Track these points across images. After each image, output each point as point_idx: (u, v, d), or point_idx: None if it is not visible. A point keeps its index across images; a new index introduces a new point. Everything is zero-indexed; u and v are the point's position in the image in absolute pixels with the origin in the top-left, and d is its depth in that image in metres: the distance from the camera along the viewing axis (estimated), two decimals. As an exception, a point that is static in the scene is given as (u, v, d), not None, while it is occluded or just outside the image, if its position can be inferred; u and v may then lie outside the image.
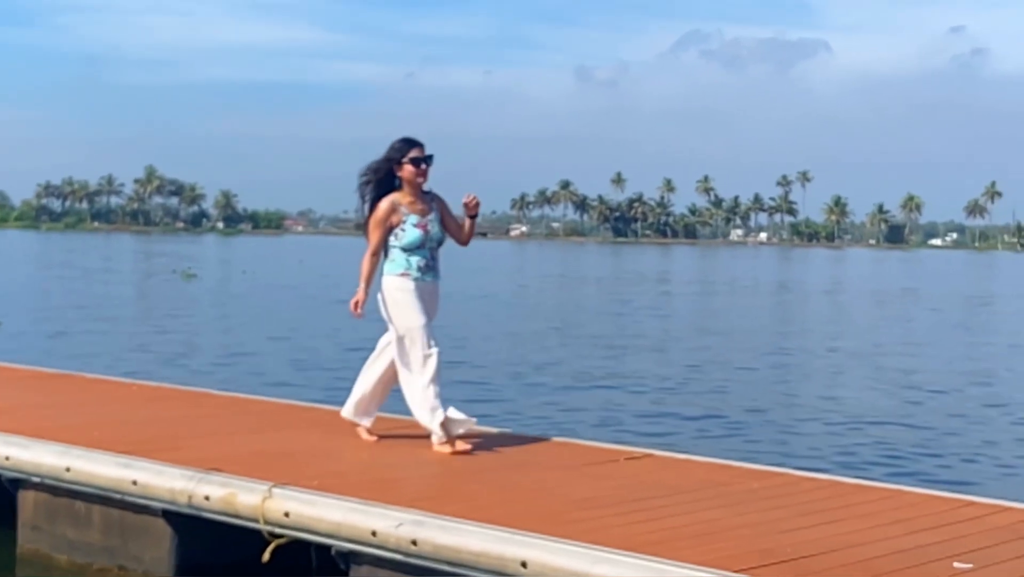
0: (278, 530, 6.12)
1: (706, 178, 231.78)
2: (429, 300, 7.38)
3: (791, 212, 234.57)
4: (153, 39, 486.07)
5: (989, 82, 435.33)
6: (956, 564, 5.09)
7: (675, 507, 6.07)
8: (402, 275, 7.32)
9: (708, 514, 5.92)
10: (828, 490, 6.65)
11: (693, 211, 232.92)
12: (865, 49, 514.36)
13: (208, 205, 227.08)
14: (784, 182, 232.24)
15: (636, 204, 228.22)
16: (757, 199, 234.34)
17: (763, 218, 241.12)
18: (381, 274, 7.41)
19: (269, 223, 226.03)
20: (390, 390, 7.66)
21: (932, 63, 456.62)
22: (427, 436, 7.42)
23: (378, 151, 7.41)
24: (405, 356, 7.31)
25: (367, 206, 7.40)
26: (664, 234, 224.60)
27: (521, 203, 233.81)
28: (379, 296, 7.40)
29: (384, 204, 7.32)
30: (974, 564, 5.10)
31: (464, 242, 7.52)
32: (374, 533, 5.70)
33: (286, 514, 6.05)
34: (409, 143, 7.37)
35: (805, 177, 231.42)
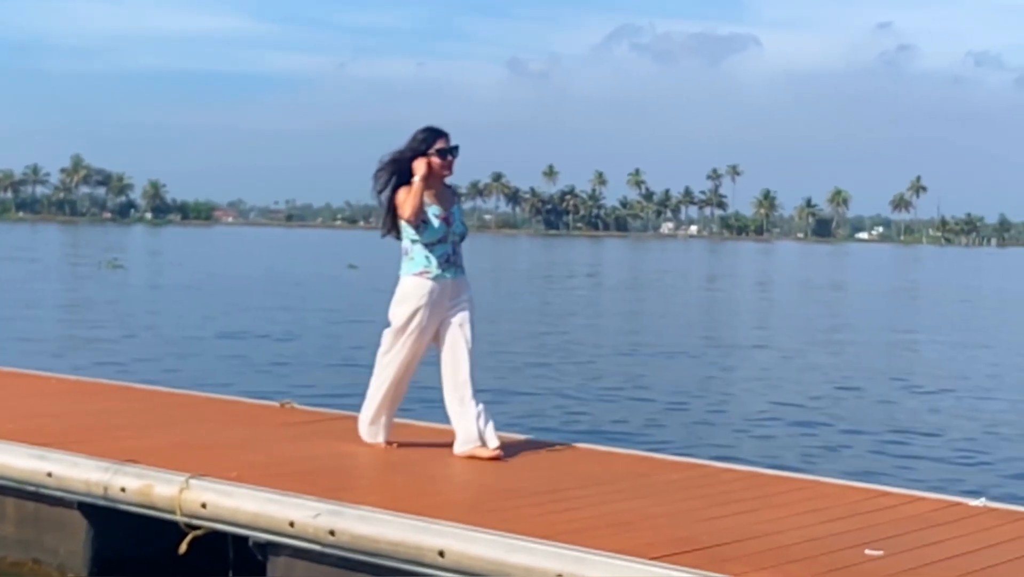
0: (195, 521, 6.06)
1: (637, 171, 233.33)
2: (450, 298, 6.96)
3: (721, 205, 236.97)
4: (81, 27, 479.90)
5: (915, 78, 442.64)
6: (867, 551, 5.18)
7: (594, 497, 6.10)
8: (420, 274, 6.91)
9: (627, 504, 5.96)
10: (746, 481, 6.72)
11: (624, 204, 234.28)
12: (794, 44, 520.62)
13: (136, 195, 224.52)
14: (714, 176, 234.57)
15: (568, 197, 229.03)
16: (687, 192, 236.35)
17: (693, 211, 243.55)
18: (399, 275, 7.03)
19: (199, 214, 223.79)
20: (457, 398, 7.02)
21: (859, 59, 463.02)
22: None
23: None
24: (383, 350, 7.04)
25: (386, 193, 6.96)
26: (596, 227, 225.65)
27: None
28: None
29: (403, 191, 6.90)
30: (885, 551, 5.18)
31: None
32: (292, 524, 5.67)
33: (203, 505, 6.00)
34: (435, 133, 6.97)
35: (735, 171, 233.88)
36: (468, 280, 7.13)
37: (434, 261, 6.93)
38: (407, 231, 6.97)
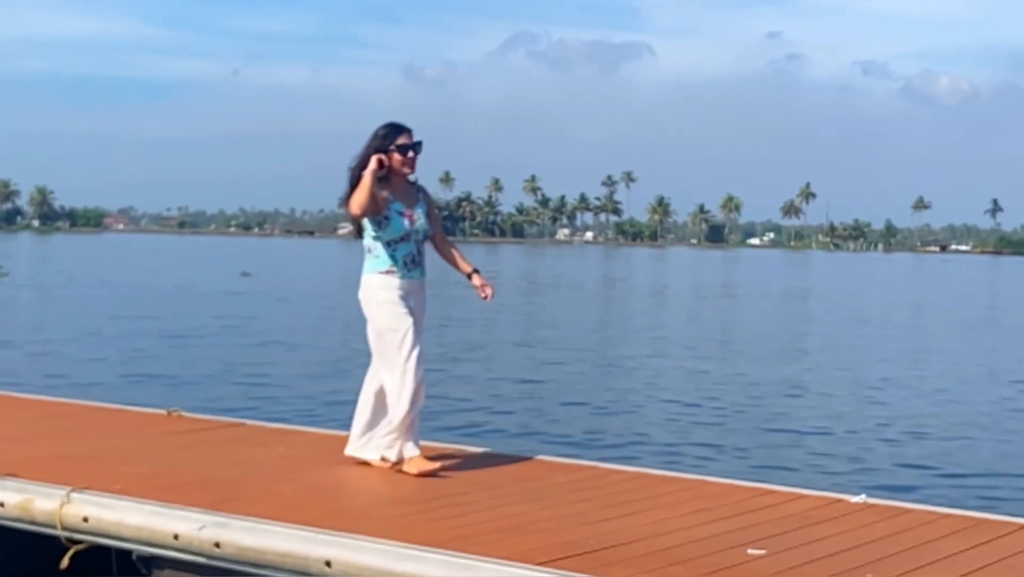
0: (77, 536, 5.93)
1: (533, 177, 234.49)
2: (416, 299, 6.78)
3: (616, 212, 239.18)
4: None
5: (804, 86, 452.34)
6: (750, 551, 5.25)
7: (482, 502, 6.10)
8: (386, 273, 6.69)
9: (515, 508, 5.97)
10: (634, 482, 6.77)
11: (520, 210, 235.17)
12: (687, 53, 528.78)
13: (23, 202, 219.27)
14: (609, 182, 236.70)
15: (464, 203, 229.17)
16: (583, 199, 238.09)
17: (589, 217, 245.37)
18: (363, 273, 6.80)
19: (88, 221, 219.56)
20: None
21: (750, 67, 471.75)
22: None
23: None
24: (388, 358, 6.75)
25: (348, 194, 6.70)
26: (492, 233, 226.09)
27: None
28: (360, 296, 6.81)
29: (357, 189, 6.65)
30: (767, 550, 5.26)
31: (438, 247, 7.00)
32: (176, 536, 5.57)
33: (85, 519, 5.86)
34: (397, 128, 6.73)
35: (630, 177, 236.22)
36: (425, 282, 6.94)
37: (399, 260, 6.72)
38: (368, 228, 6.77)
